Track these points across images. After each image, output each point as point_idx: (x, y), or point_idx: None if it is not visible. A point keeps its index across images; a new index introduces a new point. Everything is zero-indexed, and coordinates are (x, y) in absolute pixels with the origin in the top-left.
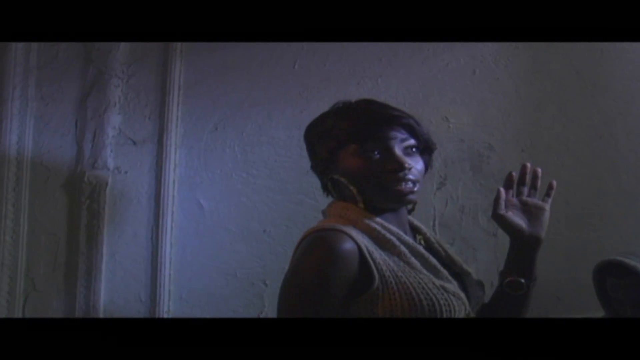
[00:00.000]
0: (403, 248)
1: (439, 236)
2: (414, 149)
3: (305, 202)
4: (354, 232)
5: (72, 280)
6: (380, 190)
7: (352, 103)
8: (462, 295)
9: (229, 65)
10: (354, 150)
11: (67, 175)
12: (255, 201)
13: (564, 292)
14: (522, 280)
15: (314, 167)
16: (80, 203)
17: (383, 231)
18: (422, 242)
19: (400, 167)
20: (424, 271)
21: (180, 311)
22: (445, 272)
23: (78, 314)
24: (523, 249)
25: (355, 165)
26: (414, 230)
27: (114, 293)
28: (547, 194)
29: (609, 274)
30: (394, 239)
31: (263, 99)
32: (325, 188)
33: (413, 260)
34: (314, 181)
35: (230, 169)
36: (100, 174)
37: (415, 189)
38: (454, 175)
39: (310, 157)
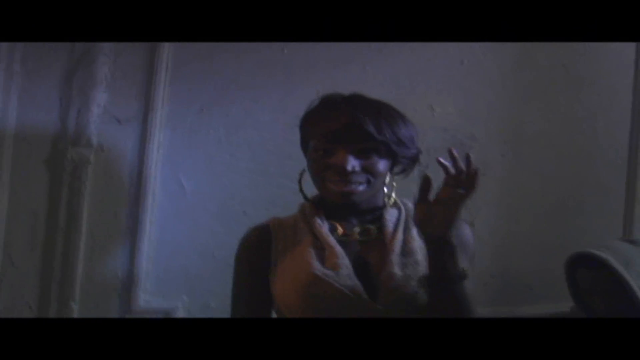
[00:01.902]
0: (308, 238)
1: None
2: (373, 153)
3: (287, 185)
4: (279, 224)
5: (50, 257)
6: (322, 185)
7: (335, 97)
8: (348, 286)
9: (217, 47)
10: (314, 144)
11: (49, 151)
12: (236, 183)
13: (536, 282)
14: (423, 277)
15: (303, 152)
16: (61, 180)
17: (301, 223)
18: (357, 234)
19: (342, 170)
20: (311, 259)
21: (157, 289)
22: (343, 262)
23: (54, 291)
24: (429, 246)
25: (312, 159)
26: (378, 222)
27: (92, 270)
28: (463, 184)
29: (581, 266)
30: (306, 230)
31: (250, 82)
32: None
33: (308, 249)
34: (297, 165)
35: (214, 151)
36: (83, 152)
37: (360, 188)
38: (436, 164)
39: (300, 142)
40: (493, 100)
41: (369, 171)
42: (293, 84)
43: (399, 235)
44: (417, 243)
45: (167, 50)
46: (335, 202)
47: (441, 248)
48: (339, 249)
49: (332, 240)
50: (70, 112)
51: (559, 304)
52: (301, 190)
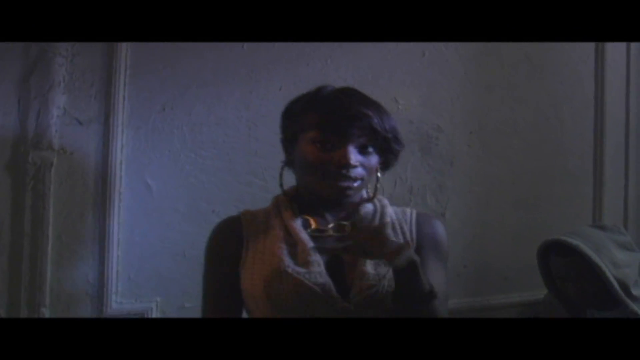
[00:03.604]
0: (280, 233)
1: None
2: (370, 148)
3: (254, 182)
4: (250, 218)
5: (17, 262)
6: (321, 180)
7: (331, 90)
8: (318, 283)
9: (177, 45)
10: (312, 136)
11: (10, 155)
12: (203, 181)
13: (511, 272)
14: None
15: (282, 142)
16: (24, 184)
17: (275, 219)
18: (331, 230)
19: (346, 164)
20: (283, 255)
21: (129, 291)
22: (314, 259)
23: (23, 297)
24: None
25: (307, 151)
26: (353, 218)
27: (61, 274)
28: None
29: (553, 253)
30: (279, 225)
31: (212, 79)
32: (287, 164)
33: (279, 244)
34: (263, 162)
35: (179, 150)
36: (45, 155)
37: (355, 184)
38: (403, 157)
39: (280, 132)
40: (457, 91)
41: (366, 167)
42: (255, 80)
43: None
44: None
45: (125, 48)
46: (328, 196)
47: (402, 270)
48: (311, 245)
49: (304, 236)
50: (30, 114)
51: (533, 291)
52: (281, 183)
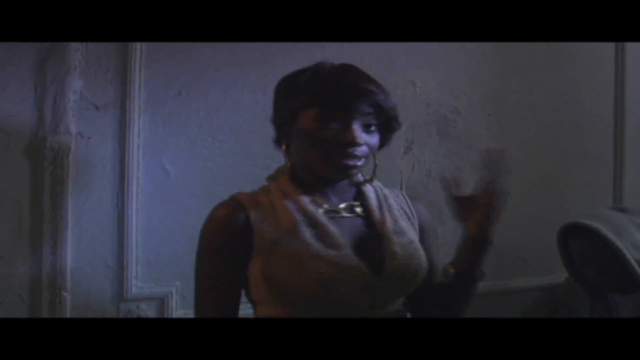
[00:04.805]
0: (297, 217)
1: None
2: (373, 127)
3: (272, 166)
4: (252, 202)
5: (38, 246)
6: (325, 159)
7: (331, 66)
8: (352, 264)
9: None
10: (314, 114)
11: (28, 141)
12: (221, 166)
13: (530, 255)
14: (452, 271)
15: (273, 121)
16: (43, 169)
17: (285, 202)
18: (356, 209)
19: (352, 142)
20: (309, 239)
21: (149, 276)
22: (341, 241)
23: (45, 281)
24: (467, 243)
25: (310, 129)
26: (361, 198)
27: (81, 259)
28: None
29: (573, 236)
30: (292, 208)
31: (228, 63)
32: (277, 144)
33: (301, 228)
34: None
35: (196, 134)
36: (63, 140)
37: (359, 163)
38: (421, 140)
39: (273, 110)
40: (475, 74)
41: (370, 145)
42: (271, 64)
43: (387, 214)
44: (404, 223)
45: None
46: (331, 175)
47: (481, 247)
48: (333, 227)
49: (324, 218)
50: (46, 100)
51: (553, 275)
52: (290, 164)
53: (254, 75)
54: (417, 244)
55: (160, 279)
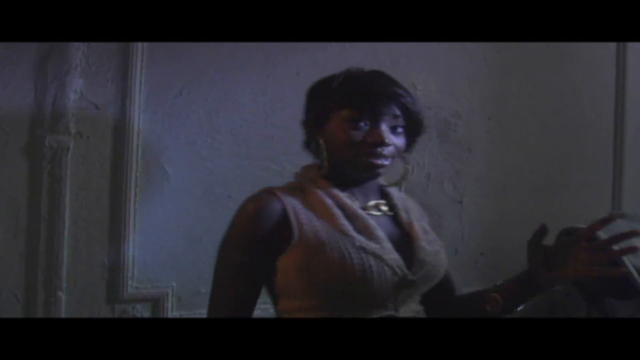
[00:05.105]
0: (336, 210)
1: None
2: (400, 129)
3: (271, 168)
4: (285, 194)
5: (34, 246)
6: (353, 158)
7: (362, 71)
8: (393, 257)
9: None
10: (345, 115)
11: (27, 139)
12: (220, 167)
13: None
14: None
15: (304, 123)
16: (41, 168)
17: (321, 195)
18: (382, 208)
19: (380, 142)
20: (352, 232)
21: (145, 276)
22: (381, 234)
23: (40, 280)
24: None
25: (340, 129)
26: (386, 198)
27: (77, 258)
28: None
29: None
30: (330, 202)
31: (228, 64)
32: (307, 146)
33: (342, 221)
34: (280, 147)
35: (195, 134)
36: (62, 138)
37: (386, 162)
38: (421, 143)
39: (304, 113)
40: (476, 77)
41: (396, 146)
42: (272, 65)
43: (411, 214)
44: (426, 224)
45: None
46: (360, 173)
47: (534, 292)
48: (372, 221)
49: (361, 211)
50: (47, 98)
51: None
52: (324, 159)
53: (255, 77)
54: (440, 242)
55: (156, 280)
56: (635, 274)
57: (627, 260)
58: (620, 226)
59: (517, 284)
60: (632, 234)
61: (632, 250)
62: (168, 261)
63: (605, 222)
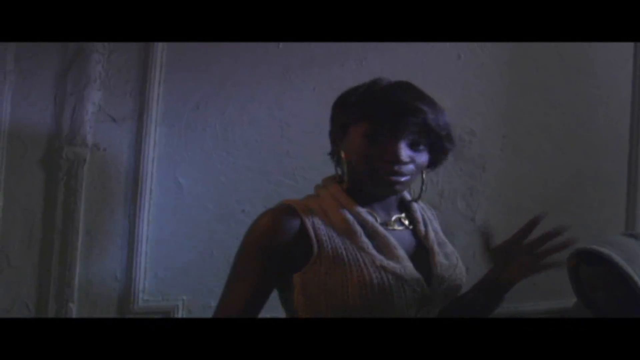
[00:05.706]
0: (357, 227)
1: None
2: (422, 146)
3: (284, 183)
4: (304, 208)
5: (47, 256)
6: (371, 174)
7: (386, 83)
8: (413, 276)
9: (212, 43)
10: (364, 129)
11: (44, 150)
12: (234, 181)
13: (540, 278)
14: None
15: (330, 133)
16: (57, 179)
17: (342, 211)
18: (404, 221)
19: (396, 160)
20: (372, 251)
21: (156, 289)
22: (401, 253)
23: (52, 291)
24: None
25: (358, 143)
26: (406, 212)
27: (89, 270)
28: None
29: (583, 262)
30: (351, 218)
31: (246, 78)
32: (332, 157)
33: (363, 239)
34: (294, 162)
35: (211, 148)
36: (79, 150)
37: (403, 179)
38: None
39: (330, 123)
40: (491, 94)
41: (416, 163)
42: (289, 80)
43: (429, 227)
44: (443, 235)
45: (161, 46)
46: (376, 191)
47: (497, 296)
48: (393, 239)
49: (382, 229)
50: (65, 110)
51: (562, 299)
52: (343, 174)
53: (272, 92)
54: (457, 254)
55: (168, 293)
56: None
57: (635, 275)
58: (633, 247)
59: (479, 286)
60: (556, 234)
61: (563, 246)
62: (179, 274)
63: (531, 225)
